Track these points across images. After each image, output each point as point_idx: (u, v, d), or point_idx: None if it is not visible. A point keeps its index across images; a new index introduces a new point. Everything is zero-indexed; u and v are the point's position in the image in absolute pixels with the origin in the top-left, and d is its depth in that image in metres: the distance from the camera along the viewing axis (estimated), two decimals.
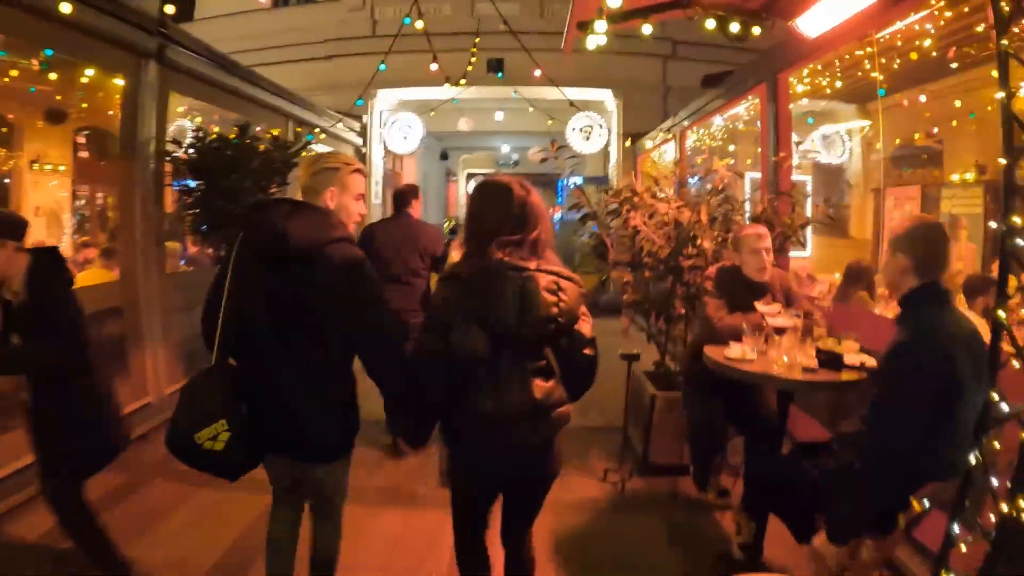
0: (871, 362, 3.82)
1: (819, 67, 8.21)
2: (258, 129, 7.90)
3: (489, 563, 3.16)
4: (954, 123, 9.79)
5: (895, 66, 7.16)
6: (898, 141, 11.67)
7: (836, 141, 12.55)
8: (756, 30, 5.39)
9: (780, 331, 4.07)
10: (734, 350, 4.15)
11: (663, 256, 5.61)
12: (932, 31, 6.30)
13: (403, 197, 6.06)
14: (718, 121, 11.28)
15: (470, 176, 30.68)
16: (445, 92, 14.04)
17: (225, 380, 2.83)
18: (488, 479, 2.95)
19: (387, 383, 2.99)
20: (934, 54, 6.80)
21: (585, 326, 2.91)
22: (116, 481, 5.16)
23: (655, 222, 5.68)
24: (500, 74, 13.56)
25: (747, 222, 5.74)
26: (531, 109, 14.45)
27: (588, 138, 14.78)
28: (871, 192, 11.66)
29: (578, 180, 16.60)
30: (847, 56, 7.76)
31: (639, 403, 6.00)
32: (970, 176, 11.61)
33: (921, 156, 11.78)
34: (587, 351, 2.92)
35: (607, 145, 15.28)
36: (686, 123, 11.24)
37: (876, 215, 11.04)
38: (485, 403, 2.70)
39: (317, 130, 11.45)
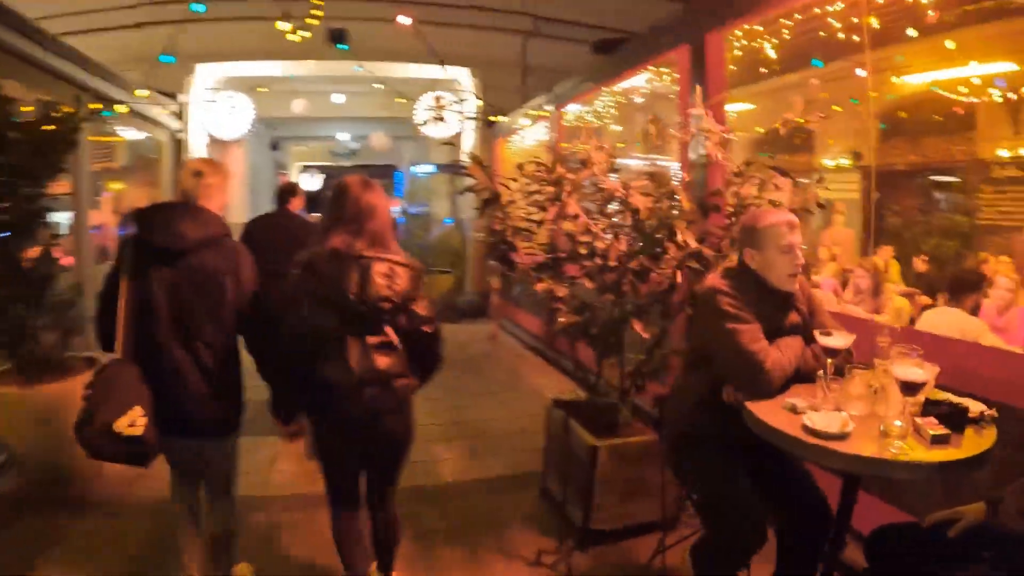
0: (988, 411, 2.62)
1: (760, 27, 6.84)
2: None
3: (363, 539, 3.40)
4: (837, 108, 8.91)
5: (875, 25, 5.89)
6: (778, 125, 10.82)
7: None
8: None
9: (911, 388, 2.48)
10: (820, 417, 2.53)
11: (616, 258, 4.05)
12: None
13: (283, 194, 6.04)
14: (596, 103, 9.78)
15: (304, 169, 28.44)
16: (277, 67, 11.98)
17: (133, 370, 3.00)
18: (343, 441, 3.18)
19: (263, 359, 3.29)
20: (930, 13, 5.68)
21: (421, 306, 3.12)
22: None
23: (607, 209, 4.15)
24: (342, 45, 11.65)
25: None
26: (377, 85, 12.50)
27: (440, 120, 12.98)
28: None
29: (429, 168, 14.84)
30: (798, 15, 6.48)
31: (568, 456, 4.50)
32: (846, 162, 11.04)
33: (792, 140, 11.09)
34: (426, 328, 3.16)
35: (462, 128, 13.50)
36: (564, 99, 9.65)
37: None
38: (333, 373, 3.00)
39: (119, 108, 9.05)
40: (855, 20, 6.44)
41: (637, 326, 4.07)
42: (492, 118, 11.17)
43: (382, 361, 3.04)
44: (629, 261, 4.05)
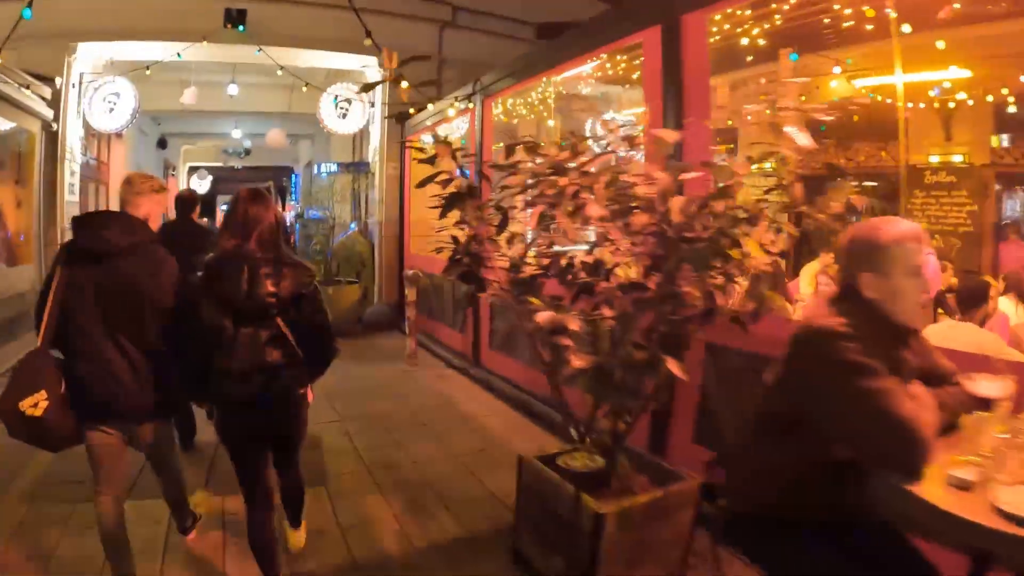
0: None
1: (747, 11, 6.03)
2: None
3: (270, 491, 3.52)
4: (767, 112, 8.31)
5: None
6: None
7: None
8: None
9: None
10: (1016, 495, 1.77)
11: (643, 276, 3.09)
12: None
13: (187, 203, 6.02)
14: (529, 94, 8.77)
15: (193, 170, 26.57)
16: (168, 50, 10.55)
17: (47, 359, 3.25)
18: (239, 424, 3.36)
19: (174, 348, 3.43)
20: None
21: (308, 302, 3.37)
22: None
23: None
24: (241, 27, 10.35)
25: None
26: (278, 74, 11.19)
27: (345, 115, 11.77)
28: None
29: (332, 167, 13.54)
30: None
31: (557, 519, 3.54)
32: (769, 165, 10.37)
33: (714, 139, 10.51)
34: (316, 320, 3.41)
35: (368, 123, 12.32)
36: (494, 91, 8.54)
37: None
38: (226, 361, 3.22)
39: None
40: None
41: (674, 367, 3.07)
42: (413, 109, 9.92)
43: (271, 352, 3.27)
44: (671, 280, 3.07)
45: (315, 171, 13.79)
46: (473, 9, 12.09)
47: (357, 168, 12.92)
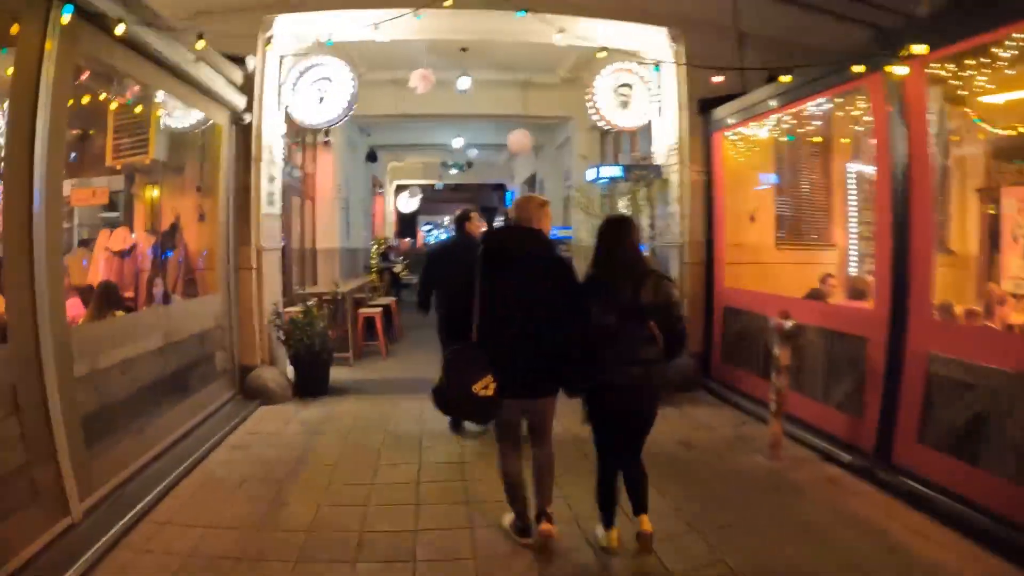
0: None
1: None
2: None
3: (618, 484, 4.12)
4: None
5: None
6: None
7: None
8: None
9: None
10: None
11: None
12: None
13: (461, 220, 6.44)
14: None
15: (400, 188, 24.31)
16: (390, 26, 7.54)
17: (484, 350, 3.89)
18: (611, 406, 3.93)
19: (572, 346, 3.95)
20: None
21: (676, 309, 3.90)
22: None
23: None
24: None
25: None
26: (557, 36, 7.88)
27: (627, 104, 8.53)
28: (975, 193, 7.46)
29: (614, 171, 9.83)
30: None
31: None
32: None
33: None
34: (678, 325, 3.89)
35: (658, 114, 8.85)
36: (938, 44, 4.80)
37: (984, 224, 7.28)
38: (611, 354, 3.79)
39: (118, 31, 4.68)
40: None
41: None
42: (782, 78, 6.27)
43: (646, 348, 3.82)
44: None
45: (597, 176, 10.19)
46: None
47: (651, 172, 9.15)
